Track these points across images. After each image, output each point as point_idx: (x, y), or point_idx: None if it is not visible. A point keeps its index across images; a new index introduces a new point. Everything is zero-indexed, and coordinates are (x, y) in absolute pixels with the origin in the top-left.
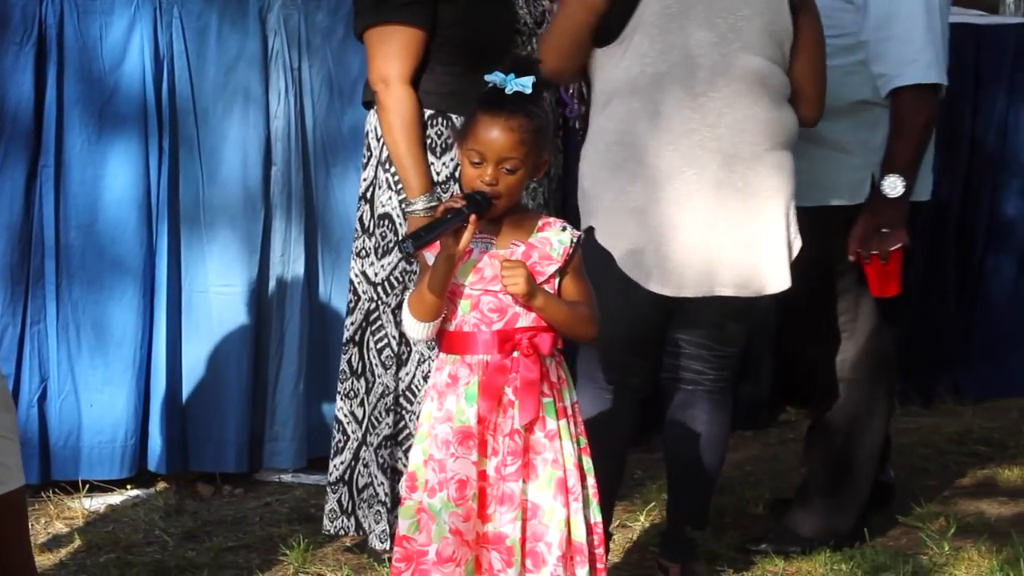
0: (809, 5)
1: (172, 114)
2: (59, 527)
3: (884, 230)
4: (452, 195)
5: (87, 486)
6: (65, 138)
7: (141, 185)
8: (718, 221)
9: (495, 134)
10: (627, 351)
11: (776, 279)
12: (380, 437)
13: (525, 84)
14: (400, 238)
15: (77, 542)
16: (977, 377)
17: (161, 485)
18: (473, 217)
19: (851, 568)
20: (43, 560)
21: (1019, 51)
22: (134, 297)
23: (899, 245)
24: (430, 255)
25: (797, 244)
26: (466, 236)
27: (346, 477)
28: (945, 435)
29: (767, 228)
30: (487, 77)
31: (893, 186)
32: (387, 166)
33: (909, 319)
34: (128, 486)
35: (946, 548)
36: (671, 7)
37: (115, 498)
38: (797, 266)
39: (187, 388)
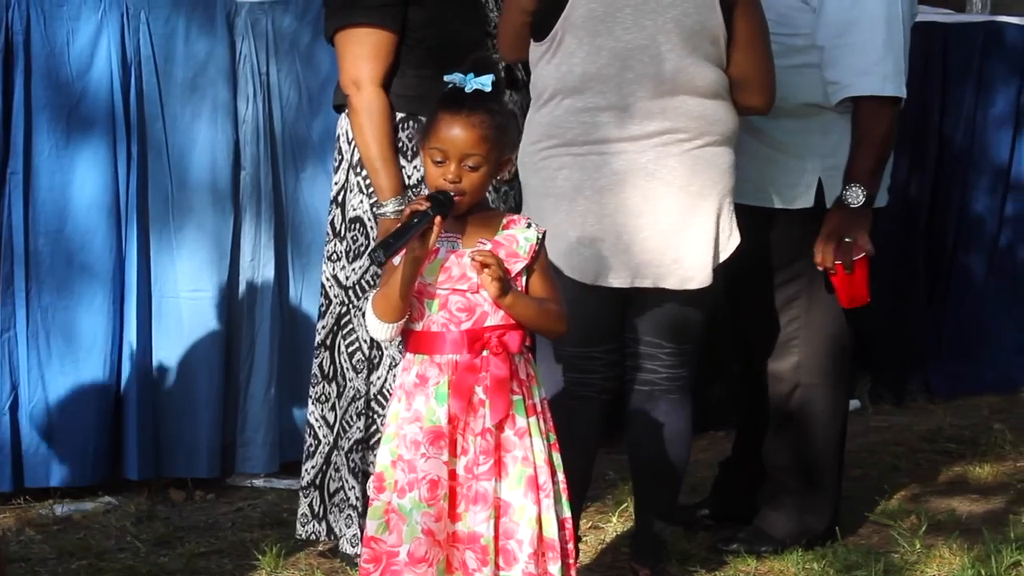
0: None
1: (140, 119)
2: (30, 534)
3: (847, 240)
4: (416, 198)
5: (58, 492)
6: (33, 144)
7: (110, 190)
8: (643, 214)
9: (456, 131)
10: (579, 344)
11: (699, 275)
12: (351, 441)
13: (484, 83)
14: (369, 248)
15: (48, 549)
16: (948, 375)
17: (132, 491)
18: (439, 219)
19: (823, 567)
20: (14, 568)
21: (986, 49)
22: (104, 303)
23: (862, 254)
24: (396, 256)
25: (733, 241)
26: (432, 237)
27: (317, 481)
28: (916, 433)
29: (692, 223)
30: (446, 78)
31: (855, 196)
32: (358, 169)
33: (880, 318)
34: (99, 492)
35: (917, 546)
36: (596, 11)
37: (86, 504)
38: (738, 266)
39: (158, 394)
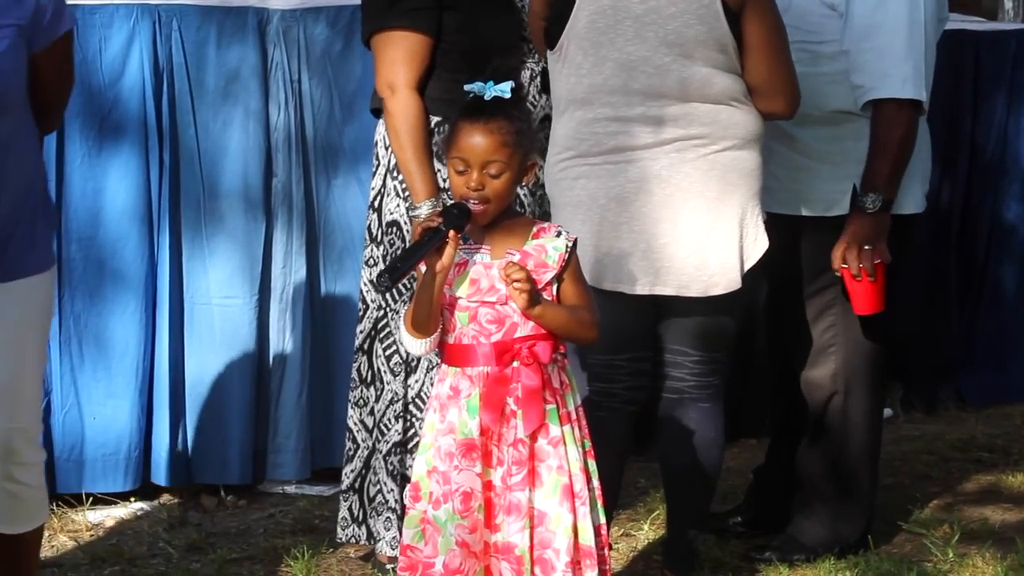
0: (754, 4)
1: (172, 126)
2: (63, 540)
3: (866, 247)
4: (428, 215)
5: (91, 499)
6: (66, 151)
7: (142, 198)
8: (660, 220)
9: (475, 139)
10: (601, 352)
11: (723, 280)
12: (389, 444)
13: (504, 90)
14: (375, 277)
15: (81, 555)
16: (980, 383)
17: (165, 497)
18: (452, 233)
19: (855, 575)
20: (47, 574)
21: (1018, 57)
22: (136, 310)
23: (878, 261)
24: (423, 268)
25: (759, 245)
26: (448, 251)
27: (356, 485)
28: (948, 442)
29: (714, 228)
30: (467, 87)
31: (871, 202)
32: (395, 174)
33: (912, 326)
34: (132, 499)
35: (950, 555)
36: (598, 22)
37: (119, 511)
38: (777, 275)
39: (190, 400)
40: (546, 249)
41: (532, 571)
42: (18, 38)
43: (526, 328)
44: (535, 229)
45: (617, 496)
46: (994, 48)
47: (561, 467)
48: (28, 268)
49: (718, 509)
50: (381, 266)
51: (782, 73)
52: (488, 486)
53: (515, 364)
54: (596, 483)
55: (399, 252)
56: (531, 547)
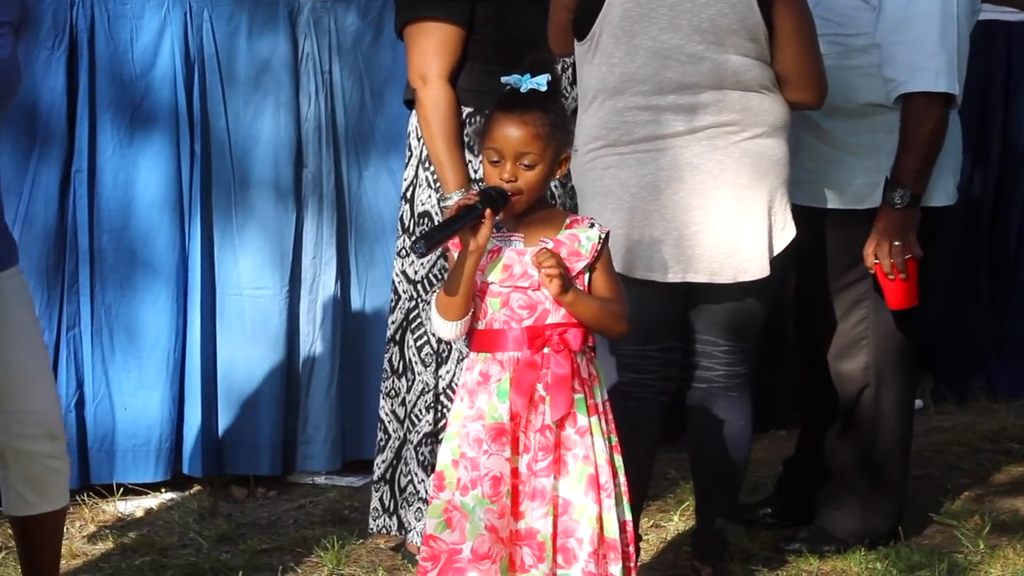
0: None
1: (203, 117)
2: (93, 530)
3: (896, 242)
4: (468, 193)
5: (121, 490)
6: (97, 142)
7: (173, 188)
8: (692, 208)
9: (510, 130)
10: (633, 343)
11: (752, 266)
12: (420, 435)
13: (540, 82)
14: (411, 242)
15: (112, 545)
16: (1011, 374)
17: (195, 488)
18: (488, 212)
19: (886, 567)
20: (78, 563)
21: None
22: (167, 300)
23: (909, 256)
24: (456, 253)
25: (788, 233)
26: (484, 231)
27: (387, 476)
28: (979, 433)
29: (743, 215)
30: (503, 79)
31: (900, 197)
32: (427, 165)
33: (942, 317)
34: (162, 489)
35: (981, 546)
36: (631, 11)
37: (149, 501)
38: (804, 265)
39: (221, 391)
40: (579, 239)
41: (555, 559)
42: (13, 35)
43: (557, 315)
44: (568, 220)
45: (647, 487)
46: None
47: (587, 457)
48: (11, 260)
49: (748, 500)
50: (412, 257)
51: (809, 63)
52: (515, 473)
53: (545, 350)
54: (623, 479)
55: (436, 224)
56: (554, 535)
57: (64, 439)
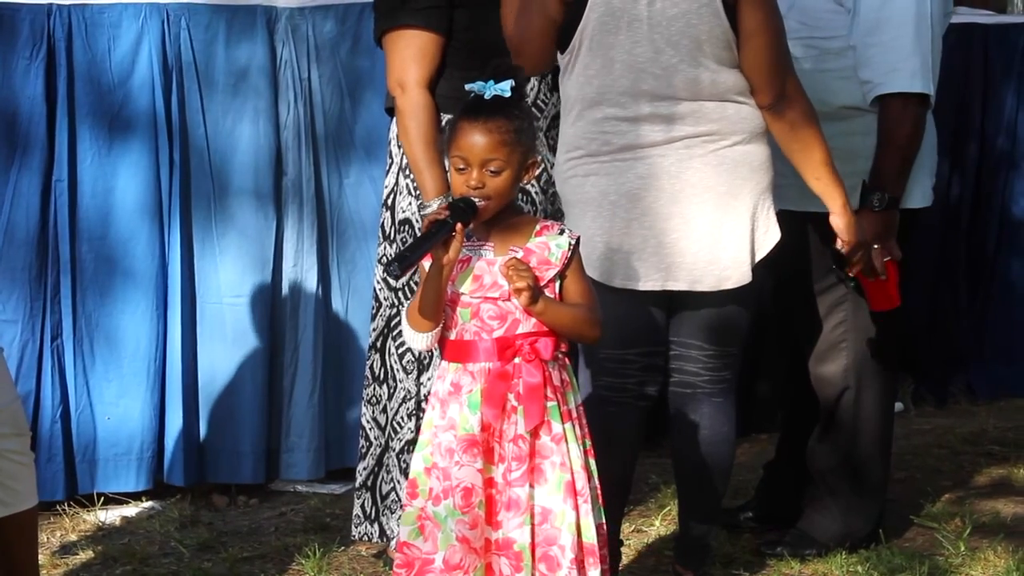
0: None
1: (182, 125)
2: (74, 539)
3: (875, 245)
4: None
5: (102, 499)
6: (77, 151)
7: (152, 196)
8: (671, 216)
9: (475, 137)
10: (612, 347)
11: (735, 274)
12: (402, 442)
13: (503, 88)
14: (386, 265)
15: (92, 555)
16: (991, 377)
17: (176, 496)
18: (459, 226)
19: (867, 569)
20: (58, 573)
21: None
22: (147, 309)
23: (888, 258)
24: (428, 263)
25: (771, 237)
26: (455, 245)
27: (369, 483)
28: (959, 435)
29: (725, 222)
30: (467, 86)
31: (879, 199)
32: (407, 172)
33: (922, 319)
34: (143, 498)
35: (962, 548)
36: (607, 23)
37: (130, 510)
38: (784, 270)
39: (202, 399)
40: (549, 246)
41: (535, 568)
42: None
43: (528, 325)
44: (538, 227)
45: (628, 492)
46: (1003, 41)
47: (564, 464)
48: None
49: (729, 504)
50: None
51: (768, 64)
52: (489, 483)
53: (517, 360)
54: (596, 482)
55: (408, 242)
56: (533, 544)
57: (29, 436)
